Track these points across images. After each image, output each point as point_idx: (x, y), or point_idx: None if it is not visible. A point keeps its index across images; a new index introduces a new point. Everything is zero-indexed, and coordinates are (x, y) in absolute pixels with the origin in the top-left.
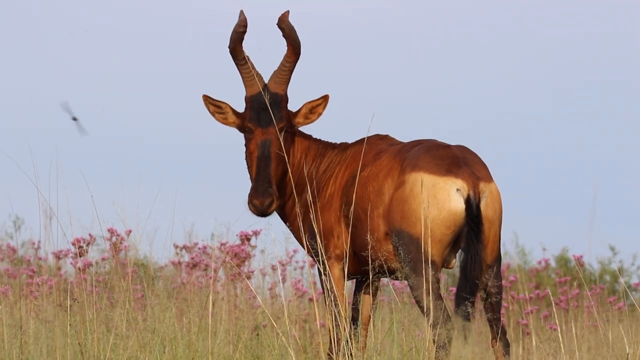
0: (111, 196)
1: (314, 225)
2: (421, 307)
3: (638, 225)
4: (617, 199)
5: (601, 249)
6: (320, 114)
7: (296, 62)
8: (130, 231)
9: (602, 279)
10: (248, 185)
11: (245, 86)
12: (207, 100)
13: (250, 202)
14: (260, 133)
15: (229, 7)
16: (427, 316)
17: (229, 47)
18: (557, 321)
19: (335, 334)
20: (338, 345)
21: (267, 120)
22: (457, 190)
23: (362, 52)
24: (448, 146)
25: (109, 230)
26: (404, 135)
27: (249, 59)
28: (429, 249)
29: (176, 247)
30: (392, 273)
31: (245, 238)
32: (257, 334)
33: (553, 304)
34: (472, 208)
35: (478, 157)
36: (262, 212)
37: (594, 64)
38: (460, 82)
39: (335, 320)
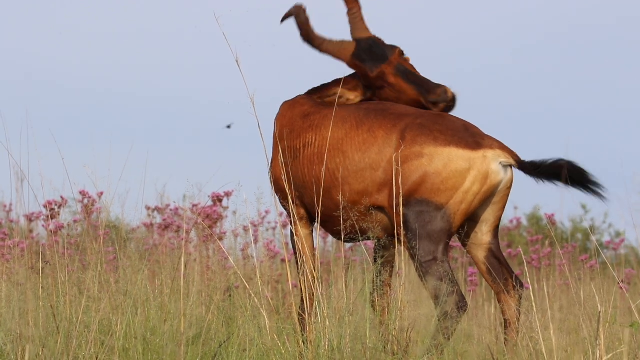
0: (83, 158)
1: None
2: (423, 272)
3: (609, 183)
4: (588, 156)
5: (573, 207)
6: None
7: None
8: (102, 193)
9: (574, 238)
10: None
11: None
12: None
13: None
14: None
15: None
16: (432, 286)
17: (302, 37)
18: (529, 280)
19: (306, 294)
20: (305, 304)
21: None
22: (500, 162)
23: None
24: (442, 116)
25: (80, 193)
26: None
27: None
28: (455, 220)
29: (148, 208)
30: (363, 233)
31: (217, 199)
32: (230, 296)
33: (525, 263)
34: (528, 169)
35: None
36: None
37: (575, 10)
38: (428, 38)
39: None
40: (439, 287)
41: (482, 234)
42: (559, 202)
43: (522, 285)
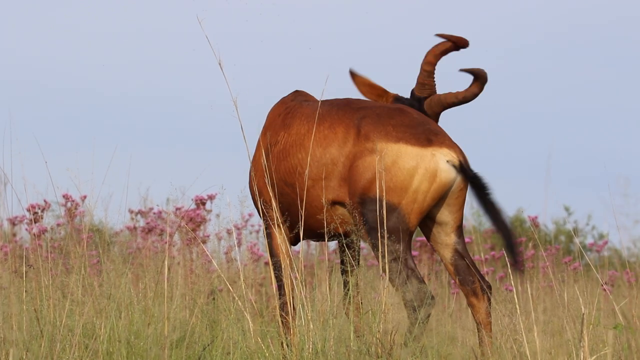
0: (66, 162)
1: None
2: (388, 272)
3: (592, 185)
4: (571, 159)
5: (556, 209)
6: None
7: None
8: (85, 197)
9: (557, 240)
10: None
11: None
12: None
13: None
14: None
15: None
16: (399, 286)
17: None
18: (512, 282)
19: (284, 297)
20: (285, 308)
21: None
22: (447, 161)
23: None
24: (401, 110)
25: (63, 196)
26: None
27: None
28: (411, 219)
29: (131, 212)
30: (346, 236)
31: (201, 202)
32: (214, 299)
33: (509, 265)
34: (468, 173)
35: (429, 118)
36: None
37: (549, 19)
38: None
39: (279, 282)
40: (404, 286)
41: (445, 235)
42: (542, 204)
43: (490, 288)
